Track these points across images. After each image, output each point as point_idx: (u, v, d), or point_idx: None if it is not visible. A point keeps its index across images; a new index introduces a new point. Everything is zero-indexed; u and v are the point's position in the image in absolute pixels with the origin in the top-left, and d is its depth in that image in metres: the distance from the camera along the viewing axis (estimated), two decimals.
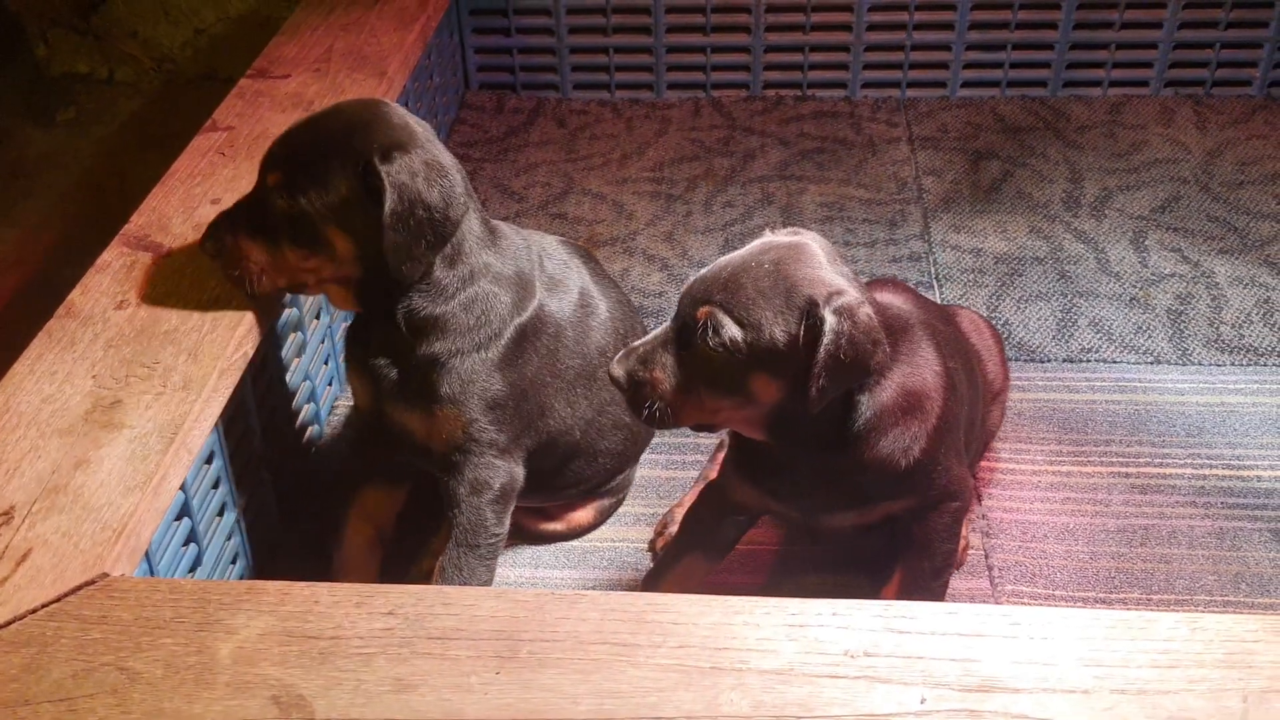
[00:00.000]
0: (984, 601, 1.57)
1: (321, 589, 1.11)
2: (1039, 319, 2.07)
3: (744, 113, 2.73)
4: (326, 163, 1.33)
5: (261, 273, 1.40)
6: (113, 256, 1.58)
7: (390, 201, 1.31)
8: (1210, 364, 1.95)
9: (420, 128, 1.40)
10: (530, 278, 1.47)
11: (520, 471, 1.47)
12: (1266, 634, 1.04)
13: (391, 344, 1.43)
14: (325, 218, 1.34)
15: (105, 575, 1.15)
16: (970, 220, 2.33)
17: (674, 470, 1.79)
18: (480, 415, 1.42)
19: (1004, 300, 2.11)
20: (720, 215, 2.37)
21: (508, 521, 1.47)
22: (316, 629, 1.06)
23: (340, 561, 1.53)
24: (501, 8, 2.72)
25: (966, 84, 2.72)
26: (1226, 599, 1.56)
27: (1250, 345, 1.99)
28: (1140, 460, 1.78)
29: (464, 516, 1.42)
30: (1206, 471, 1.75)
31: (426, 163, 1.35)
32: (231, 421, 1.50)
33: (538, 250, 1.52)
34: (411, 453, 1.49)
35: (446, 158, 1.39)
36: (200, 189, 1.72)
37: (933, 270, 2.19)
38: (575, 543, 1.68)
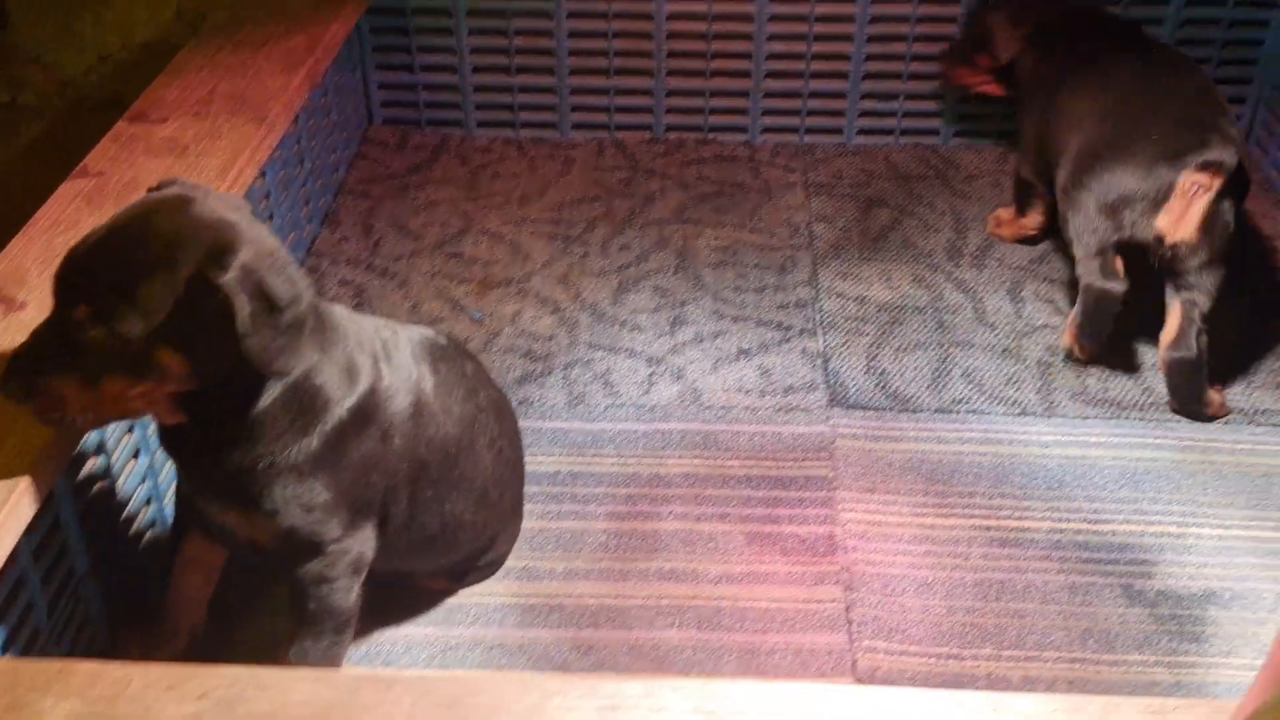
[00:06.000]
0: (841, 656, 1.60)
1: (135, 670, 1.09)
2: (915, 369, 2.11)
3: (646, 154, 2.75)
4: (144, 283, 1.17)
5: (85, 411, 1.22)
6: None
7: (241, 309, 1.18)
8: (1074, 416, 2.01)
9: (234, 213, 1.26)
10: (359, 369, 1.34)
11: (369, 540, 1.41)
12: (1064, 714, 1.07)
13: (203, 442, 1.30)
14: (152, 342, 1.18)
15: None
16: (857, 268, 2.37)
17: (549, 521, 1.79)
18: (300, 520, 1.32)
19: (883, 349, 2.15)
20: (616, 258, 2.39)
21: (356, 594, 1.42)
22: (124, 712, 1.05)
23: (171, 596, 1.49)
24: (405, 45, 2.72)
25: (862, 131, 2.77)
26: (1074, 656, 1.60)
27: (1114, 399, 2.05)
28: (1001, 513, 1.82)
29: (310, 605, 1.37)
30: (1064, 525, 1.80)
31: (258, 253, 1.22)
32: (46, 536, 1.36)
33: (387, 342, 1.40)
34: (235, 547, 1.44)
35: (269, 238, 1.27)
36: (62, 239, 1.69)
37: (817, 318, 2.22)
38: (442, 599, 1.68)
